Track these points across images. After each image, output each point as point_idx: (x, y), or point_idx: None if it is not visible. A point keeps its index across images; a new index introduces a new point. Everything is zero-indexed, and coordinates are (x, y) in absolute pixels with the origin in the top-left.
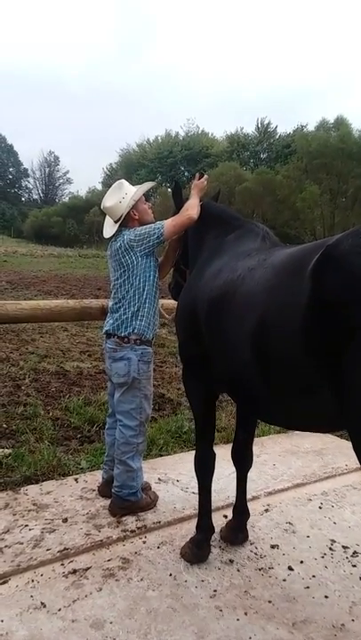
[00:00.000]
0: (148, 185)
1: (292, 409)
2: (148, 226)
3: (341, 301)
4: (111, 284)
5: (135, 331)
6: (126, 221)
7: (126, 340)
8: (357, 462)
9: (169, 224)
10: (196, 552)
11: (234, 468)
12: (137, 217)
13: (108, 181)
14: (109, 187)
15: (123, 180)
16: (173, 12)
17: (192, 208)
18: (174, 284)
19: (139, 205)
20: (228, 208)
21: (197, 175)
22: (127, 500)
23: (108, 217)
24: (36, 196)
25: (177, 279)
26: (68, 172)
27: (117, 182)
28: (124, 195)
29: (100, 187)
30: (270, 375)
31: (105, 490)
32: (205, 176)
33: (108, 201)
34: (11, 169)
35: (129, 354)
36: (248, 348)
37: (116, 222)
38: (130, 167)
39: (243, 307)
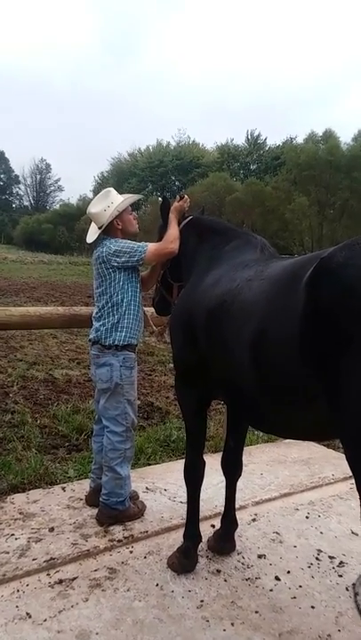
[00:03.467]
0: (134, 197)
1: (288, 417)
2: (131, 244)
3: (336, 312)
4: (94, 291)
5: (115, 342)
6: (109, 230)
7: (108, 346)
8: (344, 472)
9: (151, 250)
10: (183, 562)
11: (222, 478)
12: (120, 227)
13: (100, 189)
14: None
15: (111, 189)
16: (162, 18)
17: (174, 241)
18: (159, 299)
19: (123, 215)
20: (220, 220)
21: (178, 197)
22: (115, 509)
23: (92, 223)
24: (26, 203)
25: (162, 293)
26: (59, 179)
27: (105, 190)
28: (110, 203)
29: (91, 195)
30: (266, 384)
31: (92, 499)
32: (186, 197)
33: (94, 207)
34: (1, 175)
35: (111, 359)
36: (245, 357)
37: (99, 229)
38: (121, 176)
39: (240, 316)
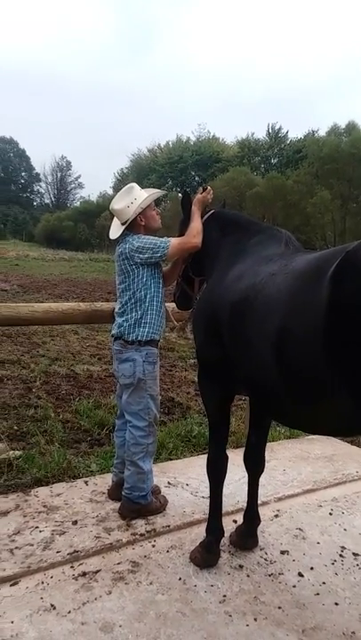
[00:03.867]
0: (157, 193)
1: (312, 412)
2: (154, 240)
3: (360, 305)
4: (116, 286)
5: (139, 338)
6: (132, 226)
7: (131, 342)
8: None
9: (175, 245)
10: (205, 556)
11: (243, 473)
12: (143, 223)
13: (120, 186)
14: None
15: (134, 184)
16: (177, 9)
17: (197, 234)
18: (180, 294)
19: (147, 212)
20: (243, 214)
21: (201, 188)
22: (137, 503)
23: (115, 218)
24: (47, 201)
25: (183, 288)
26: (79, 176)
27: (128, 185)
28: (134, 199)
29: (110, 191)
30: (290, 378)
31: (115, 493)
32: (209, 189)
33: (117, 203)
34: (23, 173)
35: (134, 355)
36: (269, 351)
37: (122, 225)
38: (141, 172)
39: (264, 311)
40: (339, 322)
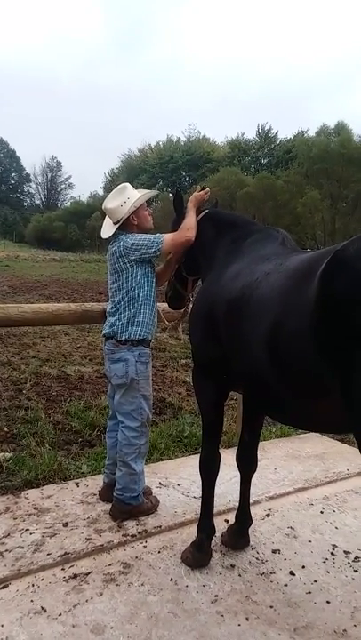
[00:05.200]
0: (150, 193)
1: (304, 409)
2: (147, 237)
3: (348, 301)
4: (108, 286)
5: (131, 337)
6: (125, 225)
7: (123, 341)
8: (359, 467)
9: (168, 241)
10: (197, 556)
11: (235, 473)
12: (136, 222)
13: (110, 186)
14: (111, 191)
15: (127, 184)
16: (169, 9)
17: (191, 229)
18: (172, 293)
19: (139, 211)
20: (239, 214)
21: (199, 187)
22: (128, 504)
23: (107, 217)
24: (38, 201)
25: (175, 287)
26: (70, 176)
27: (121, 185)
28: (127, 199)
29: (101, 192)
30: (283, 375)
31: (106, 494)
32: (207, 189)
33: (110, 203)
34: (13, 174)
35: (126, 355)
36: (262, 349)
37: (114, 224)
38: (131, 172)
39: (258, 308)
40: (327, 317)
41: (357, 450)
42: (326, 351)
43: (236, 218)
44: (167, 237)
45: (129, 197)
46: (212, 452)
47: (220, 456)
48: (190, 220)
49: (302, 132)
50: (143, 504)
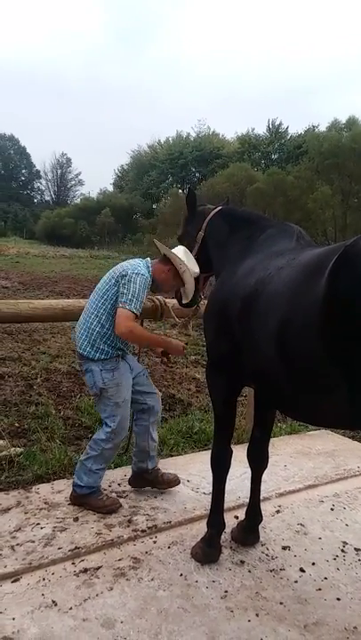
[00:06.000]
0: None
1: (314, 405)
2: (134, 294)
3: (355, 297)
4: (95, 289)
5: (90, 356)
6: (161, 267)
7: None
8: None
9: (124, 317)
10: (206, 551)
11: (245, 469)
12: (164, 277)
13: (120, 182)
14: (120, 188)
15: (183, 248)
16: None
17: (149, 339)
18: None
19: (173, 275)
20: (252, 210)
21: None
22: (74, 490)
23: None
24: (48, 198)
25: None
26: (79, 173)
27: (184, 249)
28: (189, 265)
29: (111, 188)
30: (292, 371)
31: (135, 481)
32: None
33: (195, 267)
34: (23, 170)
35: (91, 365)
36: (273, 344)
37: (180, 260)
38: (141, 168)
39: (269, 304)
40: (335, 313)
41: None
42: (333, 348)
43: (249, 214)
44: (127, 314)
45: (189, 266)
46: (224, 448)
47: (231, 452)
48: (159, 341)
49: (313, 126)
50: (93, 498)
